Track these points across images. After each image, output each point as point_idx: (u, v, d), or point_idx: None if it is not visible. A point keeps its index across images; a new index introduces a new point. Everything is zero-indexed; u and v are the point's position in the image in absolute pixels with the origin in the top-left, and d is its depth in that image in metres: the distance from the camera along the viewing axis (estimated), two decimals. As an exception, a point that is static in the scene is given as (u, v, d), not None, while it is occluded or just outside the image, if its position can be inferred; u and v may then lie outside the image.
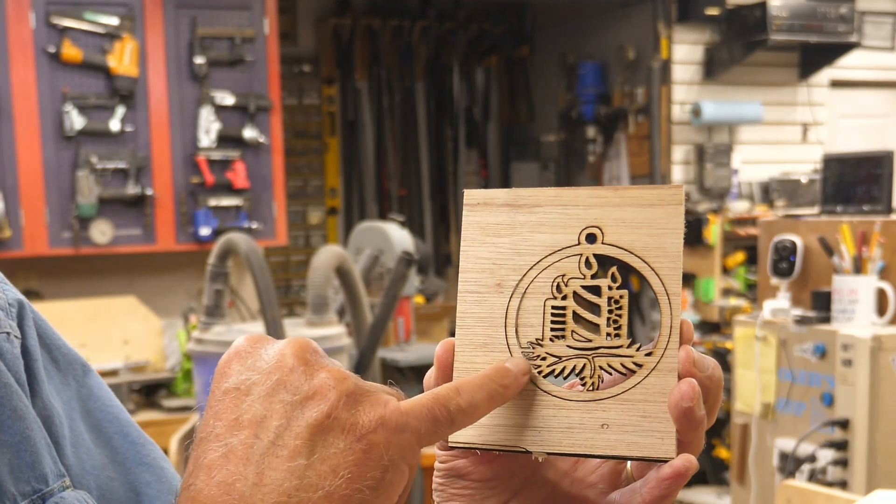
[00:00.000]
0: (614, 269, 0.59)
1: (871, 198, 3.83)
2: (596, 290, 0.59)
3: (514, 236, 0.60)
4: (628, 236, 0.58)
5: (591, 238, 0.59)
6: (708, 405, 0.57)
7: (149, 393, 4.41)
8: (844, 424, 3.44)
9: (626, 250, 0.58)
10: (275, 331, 3.04)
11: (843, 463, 3.43)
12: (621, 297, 0.59)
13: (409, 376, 4.08)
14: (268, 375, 0.51)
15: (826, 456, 3.44)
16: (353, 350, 3.36)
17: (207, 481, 0.49)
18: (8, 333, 0.62)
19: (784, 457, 3.61)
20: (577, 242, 0.59)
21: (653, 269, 0.58)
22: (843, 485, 3.41)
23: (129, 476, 0.68)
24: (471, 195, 0.62)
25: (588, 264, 0.59)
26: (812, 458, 3.47)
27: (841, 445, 3.44)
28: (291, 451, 0.49)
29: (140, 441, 0.70)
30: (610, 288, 0.59)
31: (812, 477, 3.43)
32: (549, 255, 0.59)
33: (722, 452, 5.05)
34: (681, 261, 0.58)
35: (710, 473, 5.21)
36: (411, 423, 0.51)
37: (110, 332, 4.47)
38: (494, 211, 0.61)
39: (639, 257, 0.58)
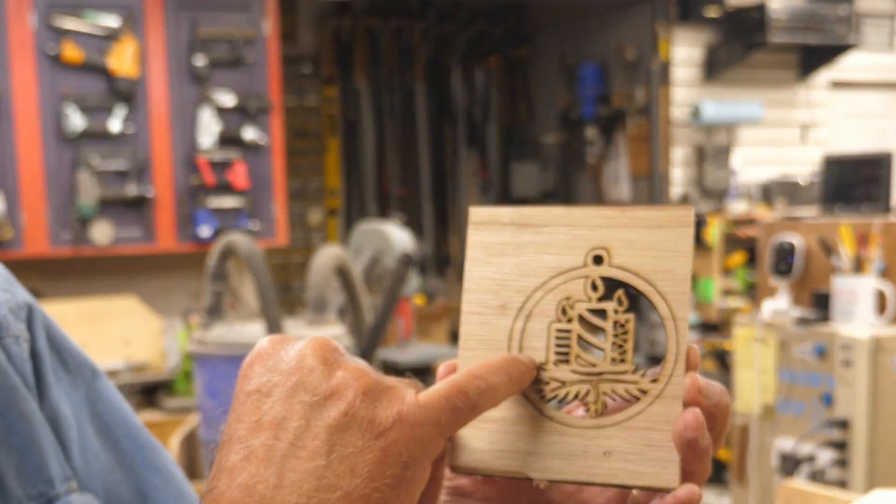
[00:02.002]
0: (621, 292, 0.57)
1: (870, 198, 3.83)
2: (601, 314, 0.58)
3: (519, 256, 0.59)
4: (636, 259, 0.57)
5: (598, 260, 0.58)
6: (714, 433, 0.56)
7: (149, 393, 4.41)
8: (844, 425, 3.44)
9: (632, 273, 0.57)
10: (275, 331, 3.04)
11: (842, 463, 3.44)
12: (627, 321, 0.57)
13: (408, 377, 4.08)
14: (288, 376, 0.51)
15: (826, 456, 3.44)
16: (353, 350, 3.36)
17: (229, 484, 0.49)
18: (17, 336, 0.62)
19: (783, 457, 3.62)
20: (583, 264, 0.58)
21: (659, 293, 0.57)
22: (842, 485, 3.41)
23: (137, 479, 0.68)
24: (476, 213, 0.60)
25: (594, 287, 0.57)
26: (811, 459, 3.47)
27: (840, 446, 3.44)
28: (310, 451, 0.49)
29: (148, 445, 0.70)
30: (616, 312, 0.57)
31: (812, 477, 3.44)
32: (555, 276, 0.58)
33: (721, 452, 5.06)
34: (689, 285, 0.57)
35: (710, 473, 5.20)
36: (431, 415, 0.51)
37: (110, 333, 4.47)
38: (500, 230, 0.59)
39: (646, 280, 0.57)
